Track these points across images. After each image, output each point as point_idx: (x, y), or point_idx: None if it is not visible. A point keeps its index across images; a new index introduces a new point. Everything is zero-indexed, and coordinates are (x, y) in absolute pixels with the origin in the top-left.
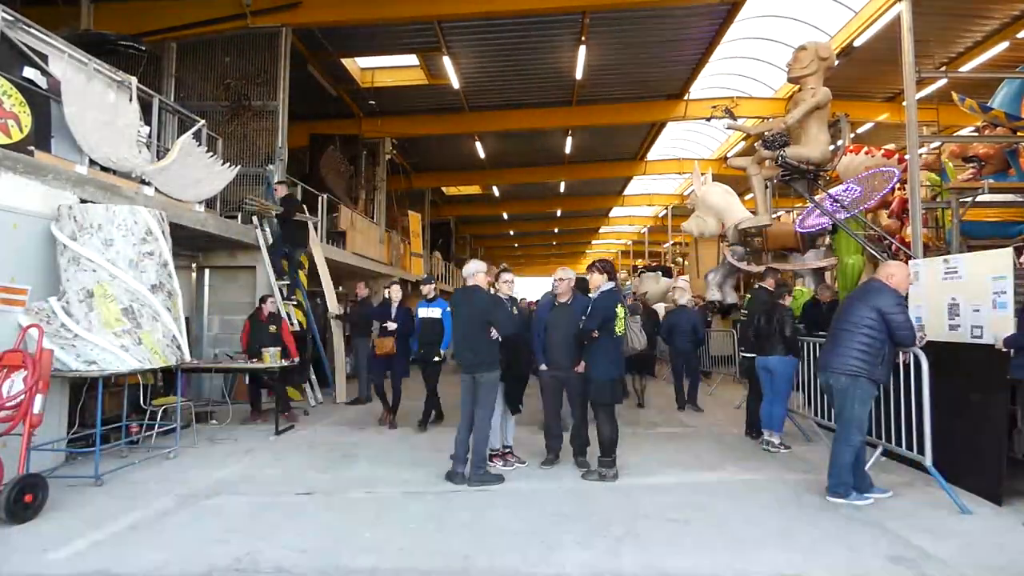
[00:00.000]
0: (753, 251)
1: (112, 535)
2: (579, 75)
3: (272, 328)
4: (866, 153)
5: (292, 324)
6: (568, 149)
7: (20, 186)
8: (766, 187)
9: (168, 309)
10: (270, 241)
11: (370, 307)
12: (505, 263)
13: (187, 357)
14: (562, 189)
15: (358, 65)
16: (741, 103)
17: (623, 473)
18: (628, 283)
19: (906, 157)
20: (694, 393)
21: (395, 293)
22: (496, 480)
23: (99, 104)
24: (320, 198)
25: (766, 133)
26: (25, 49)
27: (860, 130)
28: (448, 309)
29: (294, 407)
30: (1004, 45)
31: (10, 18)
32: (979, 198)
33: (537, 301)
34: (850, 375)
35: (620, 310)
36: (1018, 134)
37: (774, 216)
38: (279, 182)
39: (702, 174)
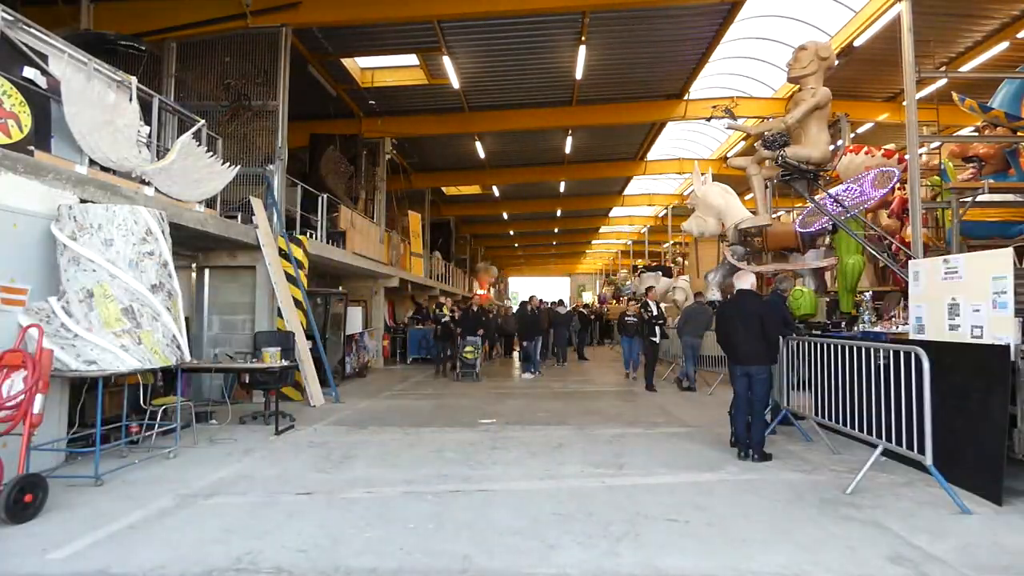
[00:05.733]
0: (753, 251)
1: (112, 535)
2: (579, 75)
3: None
4: (866, 153)
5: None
6: (568, 149)
7: (20, 186)
8: (766, 187)
9: (168, 309)
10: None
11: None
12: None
13: (187, 357)
14: (562, 189)
15: (358, 65)
16: (741, 103)
17: (623, 473)
18: (628, 283)
19: (906, 157)
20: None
21: None
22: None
23: (99, 104)
24: (320, 198)
25: (766, 133)
26: (25, 49)
27: (860, 130)
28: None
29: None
30: (1004, 45)
31: (10, 18)
32: (979, 198)
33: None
34: None
35: None
36: (1018, 134)
37: (774, 216)
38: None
39: (702, 174)
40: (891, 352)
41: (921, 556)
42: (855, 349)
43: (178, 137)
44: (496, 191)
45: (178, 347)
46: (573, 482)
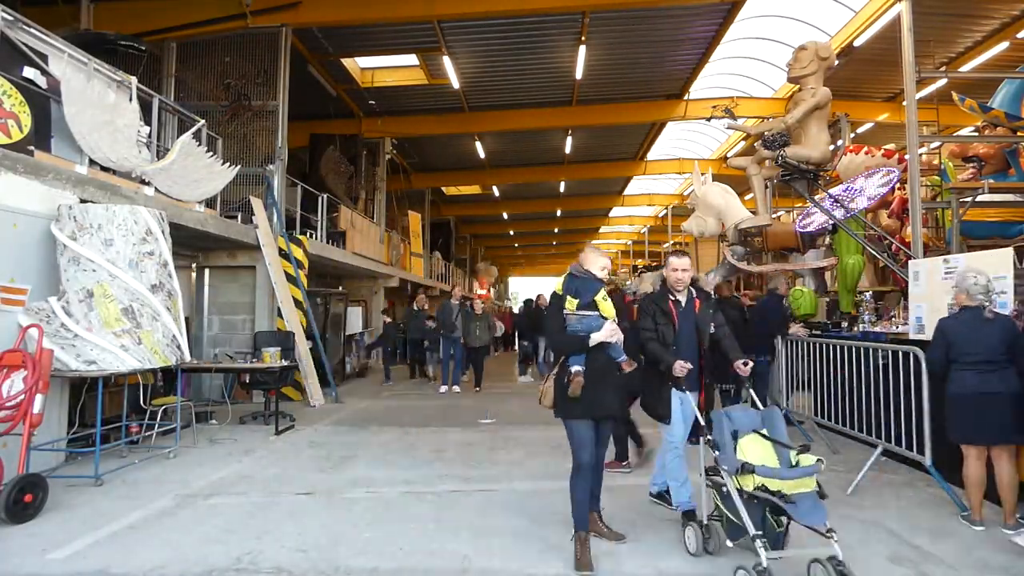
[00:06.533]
0: (753, 251)
1: (112, 535)
2: (579, 75)
3: None
4: (866, 153)
5: None
6: (568, 149)
7: (20, 186)
8: (766, 187)
9: (168, 309)
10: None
11: None
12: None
13: (187, 357)
14: (562, 189)
15: (358, 65)
16: (741, 103)
17: (623, 473)
18: (628, 283)
19: (906, 157)
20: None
21: None
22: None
23: (99, 104)
24: (320, 198)
25: (766, 133)
26: (25, 49)
27: (860, 130)
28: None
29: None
30: (1004, 45)
31: (10, 18)
32: (979, 198)
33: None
34: None
35: None
36: (1018, 134)
37: (774, 216)
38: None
39: (702, 174)
40: (890, 352)
41: (921, 556)
42: (855, 349)
43: (178, 137)
44: (496, 191)
45: (178, 347)
46: None
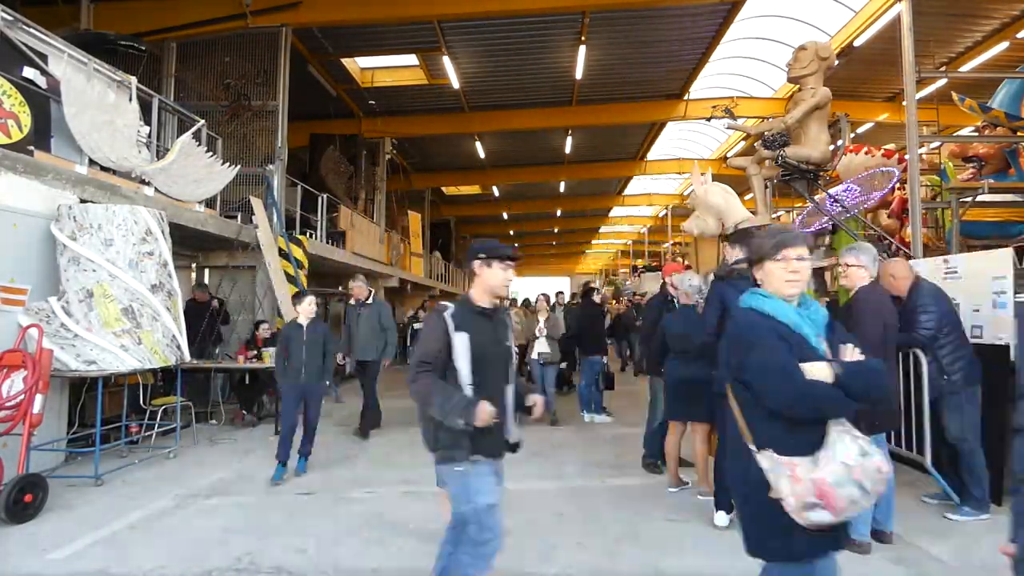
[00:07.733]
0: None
1: (112, 535)
2: (579, 75)
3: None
4: (866, 153)
5: None
6: (568, 149)
7: (20, 186)
8: (766, 187)
9: (168, 309)
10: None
11: None
12: None
13: (187, 357)
14: (562, 189)
15: (358, 65)
16: (741, 103)
17: (623, 473)
18: (627, 282)
19: (906, 157)
20: None
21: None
22: None
23: (99, 104)
24: (320, 198)
25: (766, 133)
26: (25, 49)
27: (860, 130)
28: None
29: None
30: (1004, 45)
31: (10, 18)
32: (979, 198)
33: None
34: None
35: None
36: (1018, 134)
37: (774, 216)
38: None
39: (702, 174)
40: None
41: (921, 556)
42: None
43: (178, 137)
44: (496, 191)
45: (178, 347)
46: (573, 482)
